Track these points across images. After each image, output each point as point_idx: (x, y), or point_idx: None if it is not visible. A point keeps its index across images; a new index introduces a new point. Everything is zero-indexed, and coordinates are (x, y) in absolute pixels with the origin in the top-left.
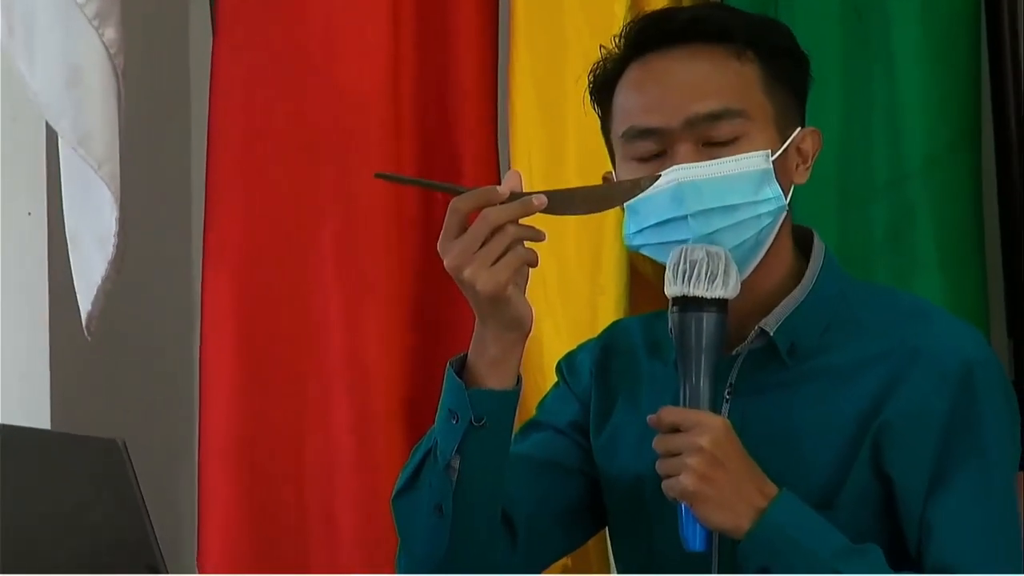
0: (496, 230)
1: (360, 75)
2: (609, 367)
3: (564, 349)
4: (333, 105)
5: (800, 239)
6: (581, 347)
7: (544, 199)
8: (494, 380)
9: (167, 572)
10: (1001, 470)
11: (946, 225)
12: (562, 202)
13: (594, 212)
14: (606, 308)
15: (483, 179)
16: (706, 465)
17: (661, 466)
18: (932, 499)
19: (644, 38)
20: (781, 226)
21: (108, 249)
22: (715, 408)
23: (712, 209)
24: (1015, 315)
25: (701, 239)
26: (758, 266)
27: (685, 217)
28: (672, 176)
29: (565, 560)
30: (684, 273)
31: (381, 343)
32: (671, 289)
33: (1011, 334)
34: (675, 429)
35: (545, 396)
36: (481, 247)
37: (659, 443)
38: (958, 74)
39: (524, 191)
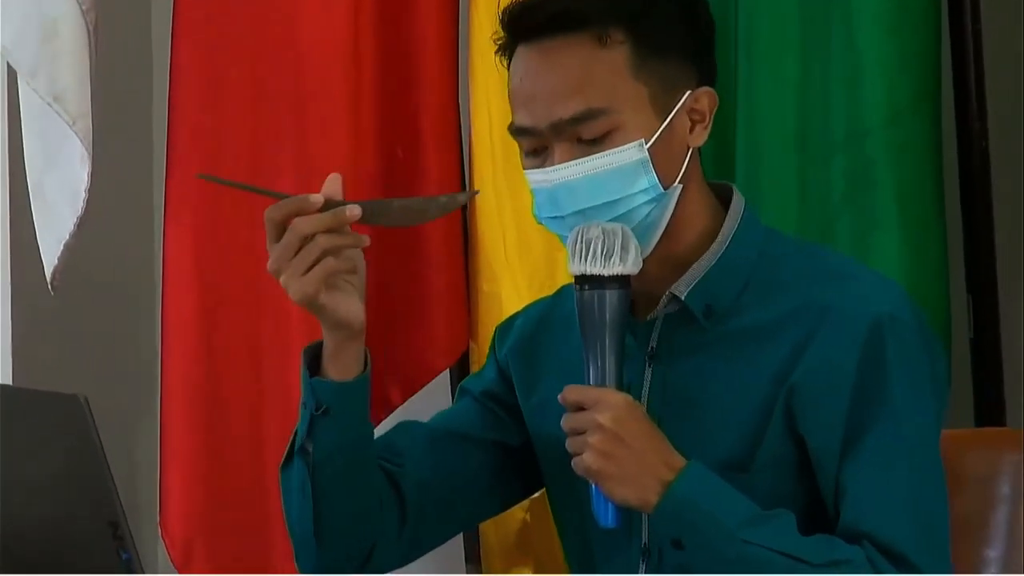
0: (306, 240)
1: (321, 31)
2: (547, 331)
3: (522, 305)
4: (294, 62)
5: (724, 195)
6: (523, 310)
7: (358, 210)
8: (334, 371)
9: (128, 527)
10: (913, 428)
11: (906, 181)
12: (378, 212)
13: (411, 225)
14: (564, 264)
15: (443, 132)
16: (607, 443)
17: (568, 444)
18: (845, 461)
19: (514, 30)
20: (684, 194)
21: (78, 205)
22: (620, 384)
23: (588, 208)
24: (974, 272)
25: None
26: (664, 236)
27: (564, 216)
28: (545, 178)
29: None
30: (581, 252)
31: None
32: (571, 268)
33: (970, 290)
34: (580, 407)
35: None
36: (294, 256)
37: (565, 422)
38: (917, 30)
39: (343, 198)
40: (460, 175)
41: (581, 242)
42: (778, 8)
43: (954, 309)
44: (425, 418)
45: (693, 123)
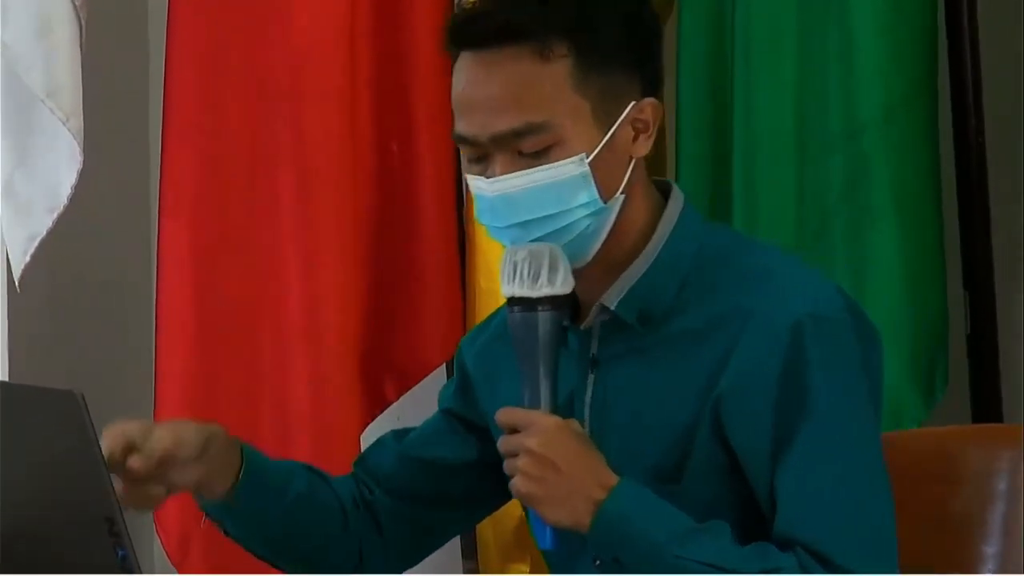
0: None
1: (317, 26)
2: (508, 336)
3: None
4: (289, 57)
5: (668, 193)
6: (490, 317)
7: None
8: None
9: (124, 524)
10: (841, 429)
11: (902, 177)
12: None
13: None
14: None
15: (438, 127)
16: (536, 467)
17: (505, 467)
18: (776, 467)
19: (456, 39)
20: (626, 203)
21: (58, 202)
22: (554, 404)
23: (528, 220)
24: (971, 268)
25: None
26: (605, 243)
27: (503, 228)
28: (486, 188)
29: None
30: (509, 274)
31: (335, 290)
32: (503, 289)
33: (967, 286)
34: (514, 429)
35: None
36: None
37: (500, 444)
38: (914, 27)
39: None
40: (455, 171)
41: (509, 264)
42: (775, 5)
43: (951, 305)
44: (421, 413)
45: (637, 133)
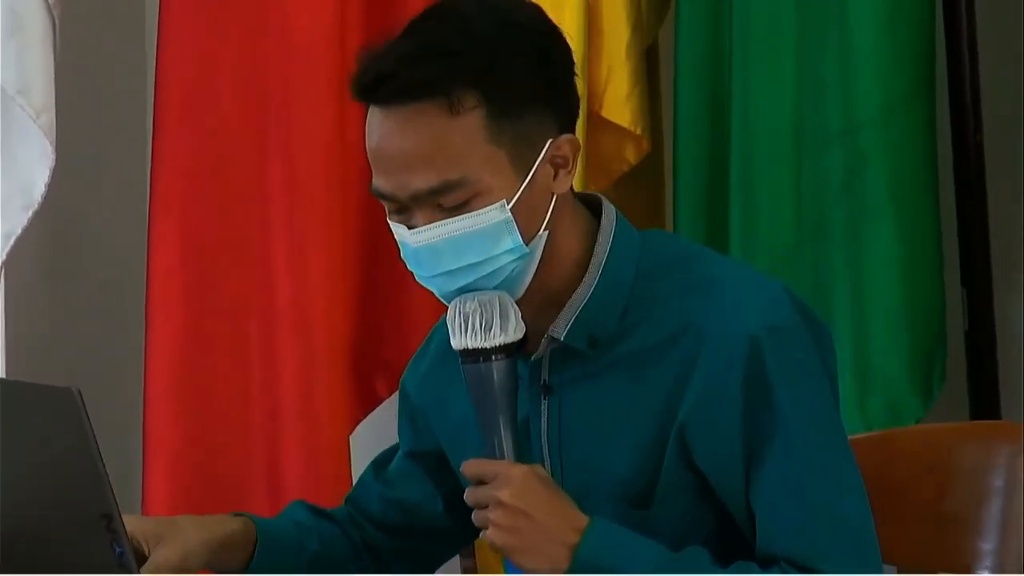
0: None
1: (308, 18)
2: (447, 362)
3: None
4: (281, 51)
5: (597, 208)
6: (425, 344)
7: None
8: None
9: (122, 521)
10: (808, 438)
11: (900, 175)
12: None
13: None
14: None
15: None
16: (508, 517)
17: (474, 518)
18: (750, 485)
19: (361, 95)
20: (551, 237)
21: (32, 199)
22: (518, 452)
23: (454, 270)
24: (969, 265)
25: (450, 295)
26: (536, 276)
27: (430, 277)
28: (409, 239)
29: None
30: (461, 327)
31: (325, 287)
32: (453, 342)
33: (964, 283)
34: (480, 480)
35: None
36: None
37: (467, 496)
38: (912, 25)
39: None
40: None
41: (460, 317)
42: (774, 3)
43: (949, 302)
44: None
45: (556, 169)
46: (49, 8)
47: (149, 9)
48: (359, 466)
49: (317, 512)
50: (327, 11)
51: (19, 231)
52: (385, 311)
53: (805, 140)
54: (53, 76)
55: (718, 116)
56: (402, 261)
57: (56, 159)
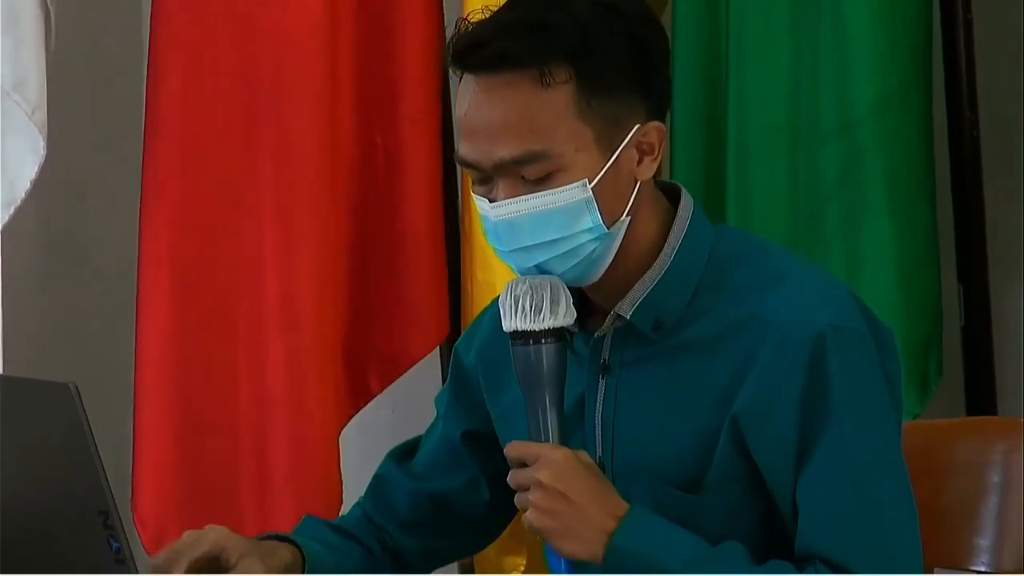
0: None
1: (300, 15)
2: (501, 338)
3: None
4: (272, 47)
5: (675, 197)
6: (486, 311)
7: None
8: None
9: (119, 516)
10: (862, 442)
11: (896, 169)
12: None
13: None
14: None
15: (425, 120)
16: (548, 499)
17: (516, 501)
18: (798, 480)
19: (456, 62)
20: (632, 223)
21: (18, 195)
22: (563, 435)
23: (531, 246)
24: (966, 260)
25: (527, 271)
26: (614, 260)
27: (507, 251)
28: (490, 212)
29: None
30: (511, 309)
31: (315, 284)
32: (504, 324)
33: (961, 278)
34: (523, 463)
35: None
36: None
37: (510, 478)
38: (908, 18)
39: None
40: (441, 164)
41: (510, 299)
42: None
43: (945, 297)
44: (416, 404)
45: (641, 155)
46: (46, 4)
47: (144, 6)
48: (348, 463)
49: (335, 529)
50: (318, 10)
51: None
52: (378, 306)
53: (801, 135)
54: (45, 72)
55: (713, 111)
56: (392, 256)
57: (50, 155)
